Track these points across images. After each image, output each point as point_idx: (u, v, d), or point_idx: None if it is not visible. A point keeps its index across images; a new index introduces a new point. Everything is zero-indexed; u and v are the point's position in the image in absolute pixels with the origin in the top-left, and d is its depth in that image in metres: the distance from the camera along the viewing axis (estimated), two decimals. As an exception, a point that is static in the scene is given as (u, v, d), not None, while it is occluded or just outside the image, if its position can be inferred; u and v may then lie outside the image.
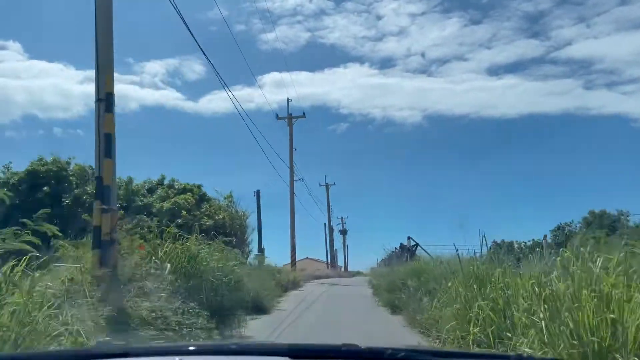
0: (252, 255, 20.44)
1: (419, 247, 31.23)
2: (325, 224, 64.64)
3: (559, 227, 47.62)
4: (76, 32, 70.01)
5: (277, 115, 35.19)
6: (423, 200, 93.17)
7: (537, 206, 69.70)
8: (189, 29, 11.66)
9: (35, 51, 66.12)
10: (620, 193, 72.84)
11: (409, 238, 32.36)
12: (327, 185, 62.76)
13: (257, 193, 29.47)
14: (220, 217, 16.76)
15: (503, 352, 5.16)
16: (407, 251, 31.61)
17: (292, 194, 33.37)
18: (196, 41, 13.34)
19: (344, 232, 79.78)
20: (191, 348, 2.08)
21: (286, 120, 35.05)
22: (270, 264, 25.74)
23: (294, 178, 34.29)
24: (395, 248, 36.73)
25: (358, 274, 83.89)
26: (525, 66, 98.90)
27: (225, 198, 18.64)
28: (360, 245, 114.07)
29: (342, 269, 72.85)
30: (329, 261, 65.15)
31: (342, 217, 77.84)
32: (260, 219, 28.64)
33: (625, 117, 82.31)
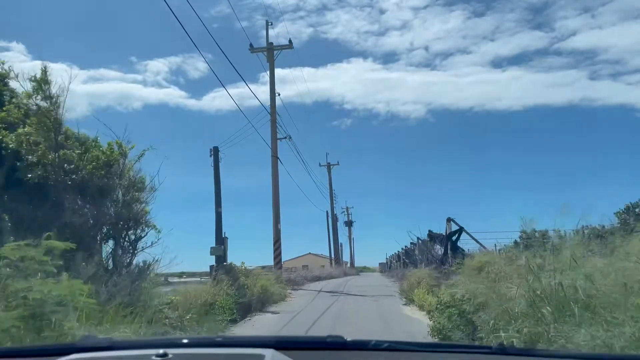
0: (149, 246, 9.46)
1: (461, 235, 21.09)
2: (327, 212, 53.69)
3: (628, 208, 37.98)
4: (79, 31, 64.08)
5: (251, 45, 24.16)
6: (429, 194, 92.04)
7: (545, 197, 64.03)
8: (185, 30, 12.11)
9: (38, 51, 62.20)
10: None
11: (449, 220, 21.83)
12: (328, 165, 52.07)
13: (215, 151, 19.10)
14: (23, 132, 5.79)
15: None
16: (445, 240, 21.43)
17: (276, 157, 22.44)
18: (192, 41, 13.25)
19: (349, 224, 69.93)
20: (177, 341, 2.01)
21: (265, 53, 24.02)
22: (233, 264, 17.27)
23: (277, 136, 23.27)
24: (418, 239, 26.91)
25: (365, 269, 75.09)
26: (530, 58, 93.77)
27: (35, 89, 7.29)
28: (366, 239, 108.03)
29: (348, 265, 62.65)
30: (333, 257, 54.13)
31: (347, 208, 67.76)
32: (220, 190, 18.23)
33: (631, 107, 76.37)
